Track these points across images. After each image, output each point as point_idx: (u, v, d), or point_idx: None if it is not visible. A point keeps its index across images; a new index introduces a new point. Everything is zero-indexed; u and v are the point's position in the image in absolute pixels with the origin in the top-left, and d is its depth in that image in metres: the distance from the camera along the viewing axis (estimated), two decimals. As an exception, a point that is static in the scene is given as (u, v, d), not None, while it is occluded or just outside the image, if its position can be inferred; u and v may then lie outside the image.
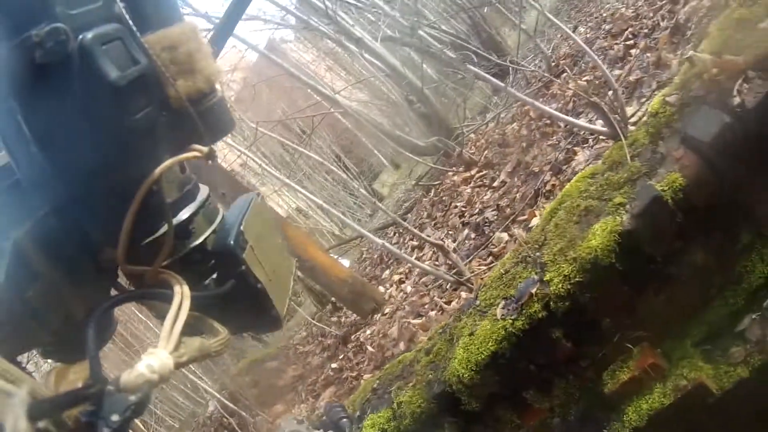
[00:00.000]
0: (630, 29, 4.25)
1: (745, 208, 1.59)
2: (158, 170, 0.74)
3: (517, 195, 3.79)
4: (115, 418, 0.51)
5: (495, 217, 3.90)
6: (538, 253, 1.74)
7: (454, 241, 4.21)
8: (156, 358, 0.55)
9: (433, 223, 5.14)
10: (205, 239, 0.82)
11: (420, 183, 5.49)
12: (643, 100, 3.05)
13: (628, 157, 1.71)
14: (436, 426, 1.94)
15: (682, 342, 1.65)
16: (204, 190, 0.85)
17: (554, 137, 3.84)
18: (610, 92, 2.55)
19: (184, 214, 0.81)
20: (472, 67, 3.40)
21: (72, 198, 0.70)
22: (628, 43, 4.09)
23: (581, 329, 1.63)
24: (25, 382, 0.55)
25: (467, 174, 4.99)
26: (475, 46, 5.42)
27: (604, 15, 5.37)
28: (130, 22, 0.70)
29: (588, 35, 5.14)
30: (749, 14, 1.76)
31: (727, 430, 1.65)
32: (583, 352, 1.67)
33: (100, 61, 0.68)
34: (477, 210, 4.31)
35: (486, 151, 5.03)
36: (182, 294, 0.66)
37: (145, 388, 0.53)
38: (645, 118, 1.91)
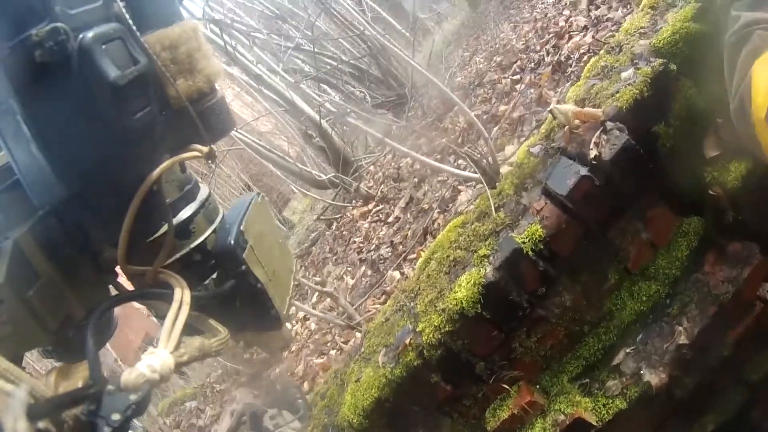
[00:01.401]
0: (518, 62, 4.33)
1: (610, 249, 1.62)
2: (158, 170, 0.74)
3: (409, 232, 3.84)
4: (115, 417, 0.51)
5: (389, 254, 3.91)
6: (412, 303, 1.76)
7: (352, 278, 4.21)
8: (156, 358, 0.54)
9: (334, 258, 5.10)
10: (206, 239, 0.82)
11: (321, 217, 5.50)
12: (523, 139, 3.08)
13: (493, 209, 1.73)
14: (337, 466, 1.98)
15: (559, 378, 1.67)
16: (204, 190, 0.85)
17: (442, 173, 3.87)
18: (484, 139, 2.57)
19: (184, 214, 0.81)
20: (352, 120, 3.37)
21: (72, 198, 0.70)
22: (514, 78, 4.16)
23: (457, 373, 1.65)
24: (25, 382, 0.55)
25: (365, 209, 4.98)
26: (375, 76, 5.44)
27: (497, 46, 5.39)
28: (130, 21, 0.70)
29: (481, 66, 5.18)
30: (614, 61, 1.80)
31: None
32: (464, 393, 1.69)
33: (99, 60, 0.68)
34: (373, 246, 4.32)
35: (382, 186, 5.03)
36: (182, 294, 0.66)
37: (146, 387, 0.53)
38: (511, 168, 1.91)
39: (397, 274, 3.42)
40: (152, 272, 0.73)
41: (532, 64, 4.00)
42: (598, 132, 1.55)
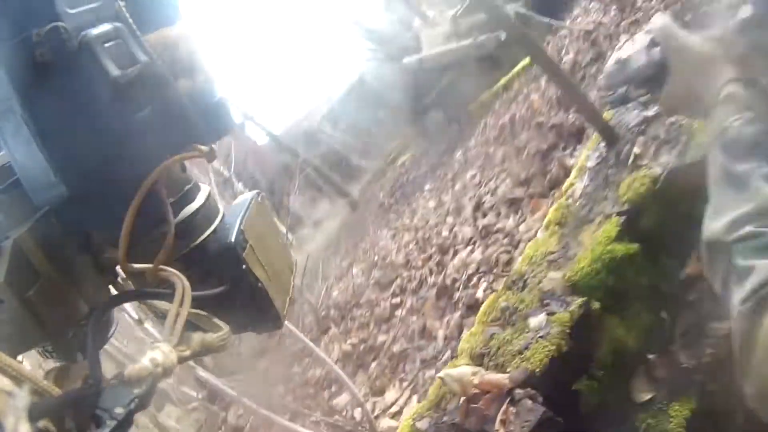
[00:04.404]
0: (398, 280, 3.93)
1: None
2: (158, 170, 0.74)
3: None
4: (119, 410, 0.51)
5: None
6: None
7: None
8: (159, 352, 0.54)
9: None
10: (206, 239, 0.82)
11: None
12: (405, 384, 2.71)
13: None
14: None
15: None
16: (204, 190, 0.86)
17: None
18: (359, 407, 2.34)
19: (184, 214, 0.81)
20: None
21: (72, 198, 0.70)
22: (394, 301, 3.72)
23: None
24: (27, 379, 0.55)
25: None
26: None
27: (376, 258, 5.04)
28: (131, 20, 0.71)
29: (359, 280, 4.83)
30: (518, 301, 1.44)
31: None
32: None
33: (100, 59, 0.68)
34: None
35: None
36: (183, 289, 0.66)
37: (150, 381, 0.53)
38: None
39: None
40: (152, 271, 0.73)
41: (414, 284, 3.62)
42: (504, 405, 1.23)
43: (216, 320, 0.71)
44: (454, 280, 3.00)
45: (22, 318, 0.67)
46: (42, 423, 0.57)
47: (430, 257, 3.72)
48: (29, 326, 0.68)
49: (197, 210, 0.82)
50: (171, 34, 0.74)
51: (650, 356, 1.35)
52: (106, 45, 0.69)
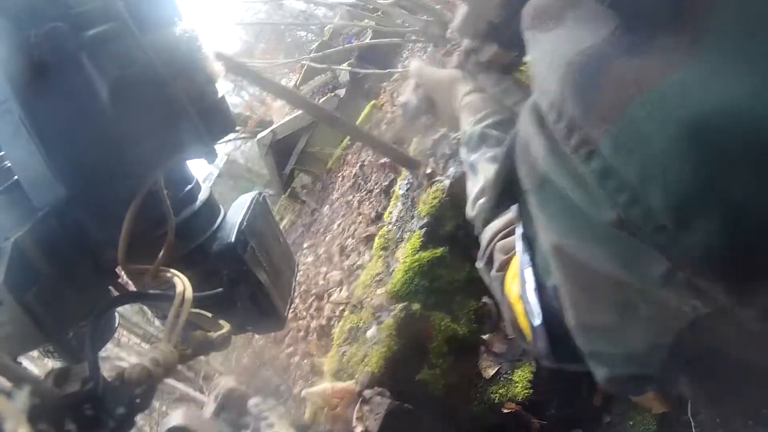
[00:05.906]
0: (290, 334, 4.33)
1: None
2: (159, 170, 0.74)
3: None
4: (120, 411, 0.51)
5: None
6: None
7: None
8: (160, 352, 0.54)
9: None
10: (206, 239, 0.82)
11: None
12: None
13: None
14: None
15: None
16: (205, 190, 0.85)
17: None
18: None
19: (185, 214, 0.81)
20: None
21: (72, 198, 0.70)
22: (288, 351, 4.17)
23: None
24: (26, 381, 0.55)
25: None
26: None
27: None
28: (130, 21, 0.70)
29: (261, 342, 5.42)
30: (358, 321, 1.70)
31: None
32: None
33: (99, 60, 0.68)
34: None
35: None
36: (184, 288, 0.66)
37: (150, 381, 0.53)
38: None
39: None
40: (153, 271, 0.73)
41: (302, 333, 4.07)
42: (357, 405, 1.42)
43: (216, 319, 0.70)
44: (329, 319, 3.44)
45: (21, 319, 0.67)
46: (42, 425, 0.57)
47: (310, 306, 4.21)
48: (29, 327, 0.67)
49: (198, 210, 0.82)
50: (171, 34, 0.73)
51: (484, 336, 1.55)
52: (106, 45, 0.68)
